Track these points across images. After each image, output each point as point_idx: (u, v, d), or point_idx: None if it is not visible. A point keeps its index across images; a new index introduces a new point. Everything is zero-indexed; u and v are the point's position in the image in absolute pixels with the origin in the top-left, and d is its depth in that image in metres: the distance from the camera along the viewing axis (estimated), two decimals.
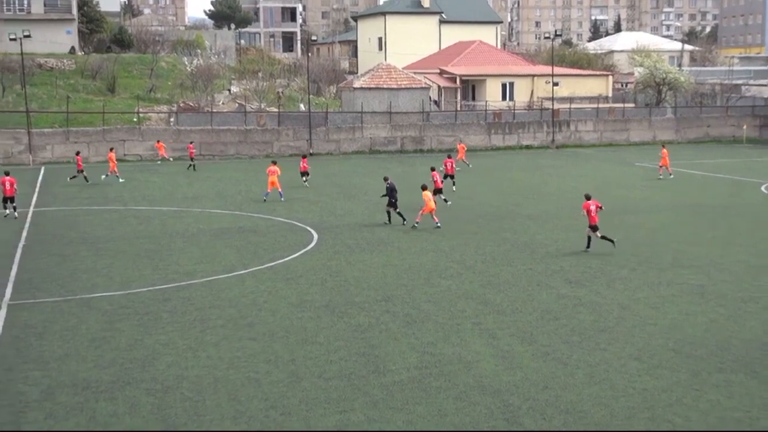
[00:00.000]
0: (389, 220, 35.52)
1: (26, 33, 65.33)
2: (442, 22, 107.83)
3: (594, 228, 29.24)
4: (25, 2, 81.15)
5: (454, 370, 17.93)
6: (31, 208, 40.77)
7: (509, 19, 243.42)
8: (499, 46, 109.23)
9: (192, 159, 57.73)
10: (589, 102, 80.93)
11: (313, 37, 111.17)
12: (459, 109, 79.35)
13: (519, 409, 15.84)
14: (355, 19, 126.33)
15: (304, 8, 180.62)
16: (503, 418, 15.44)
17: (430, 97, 77.27)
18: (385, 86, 72.31)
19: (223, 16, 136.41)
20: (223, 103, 75.75)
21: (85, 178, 49.73)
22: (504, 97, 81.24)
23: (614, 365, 18.09)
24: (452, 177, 45.95)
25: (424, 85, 74.82)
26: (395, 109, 71.28)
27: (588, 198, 29.60)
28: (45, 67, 74.82)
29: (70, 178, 50.18)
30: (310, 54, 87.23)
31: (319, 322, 21.55)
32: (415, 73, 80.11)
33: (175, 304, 23.25)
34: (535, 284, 25.39)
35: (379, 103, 71.31)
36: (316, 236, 33.08)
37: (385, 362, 18.41)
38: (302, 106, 76.37)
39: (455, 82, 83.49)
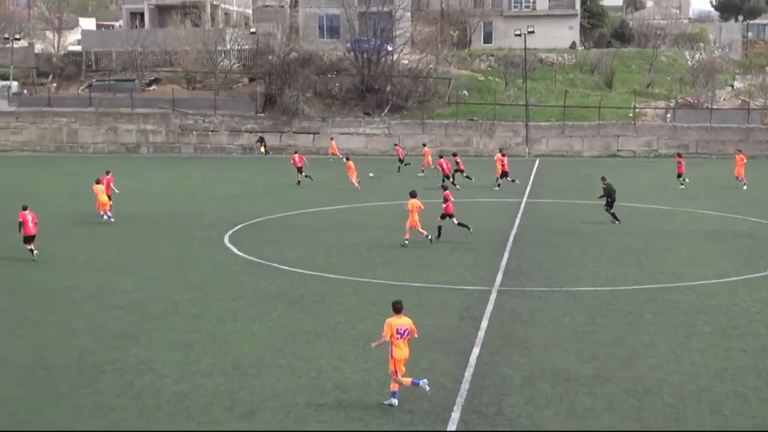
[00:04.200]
0: (615, 218, 35.33)
1: (530, 29, 68.50)
2: None
3: (450, 216, 31.32)
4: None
5: None
6: (524, 199, 42.60)
7: None
8: None
9: (401, 161, 55.25)
10: None
11: None
12: None
13: None
14: None
15: None
16: None
17: None
18: None
19: (730, 8, 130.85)
20: (724, 100, 72.76)
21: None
22: None
23: None
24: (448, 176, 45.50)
25: None
26: None
27: (445, 189, 32.22)
28: (545, 62, 77.53)
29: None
30: None
31: None
32: None
33: (660, 306, 22.83)
34: None
35: None
36: None
37: None
38: None
39: None
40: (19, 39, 78.21)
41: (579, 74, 76.16)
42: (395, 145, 58.88)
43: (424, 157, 52.69)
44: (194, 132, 68.35)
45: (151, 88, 73.92)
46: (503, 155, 47.32)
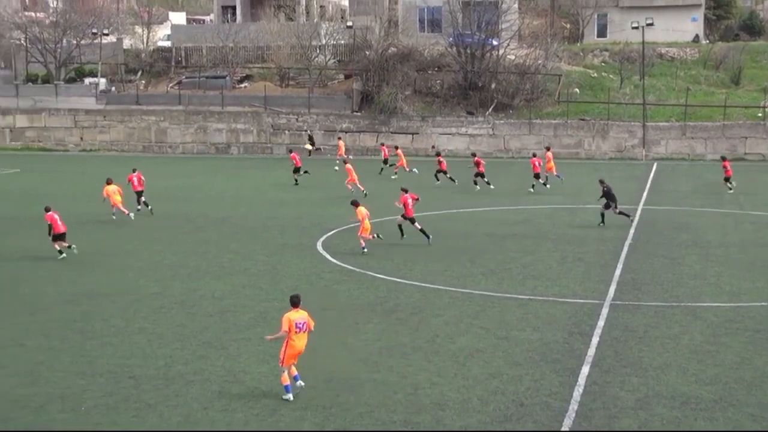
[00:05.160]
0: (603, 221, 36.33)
1: (649, 21, 67.43)
2: None
3: (412, 220, 32.74)
4: None
5: None
6: (640, 206, 41.99)
7: None
8: None
9: (385, 161, 55.14)
10: None
11: None
12: None
13: None
14: None
15: None
16: None
17: None
18: None
19: None
20: None
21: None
22: None
23: None
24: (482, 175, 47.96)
25: None
26: None
27: (405, 191, 33.11)
28: (665, 57, 76.22)
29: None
30: None
31: None
32: None
33: None
34: None
35: None
36: None
37: None
38: None
39: None
40: (107, 34, 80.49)
41: (702, 70, 74.58)
42: (381, 144, 59.57)
43: (399, 159, 53.66)
44: (287, 131, 69.30)
45: (243, 85, 75.22)
46: (535, 156, 49.05)
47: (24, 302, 24.89)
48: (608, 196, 36.43)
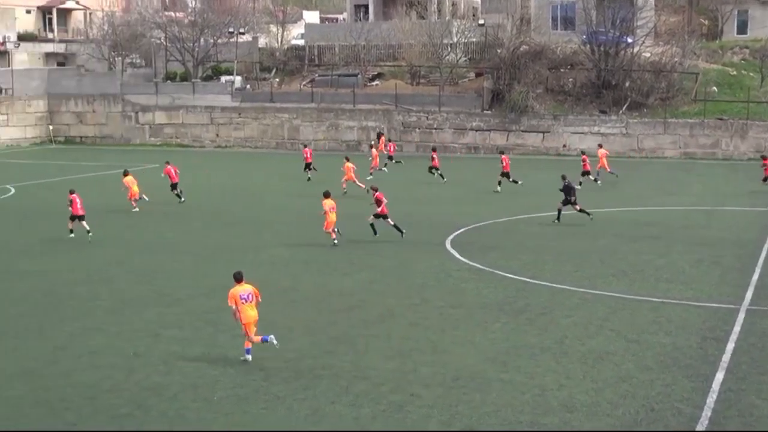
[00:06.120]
0: (558, 218, 36.43)
1: None
2: None
3: (384, 217, 32.88)
4: None
5: None
6: None
7: None
8: None
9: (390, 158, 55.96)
10: None
11: None
12: None
13: None
14: None
15: None
16: None
17: None
18: None
19: None
20: None
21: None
22: None
23: None
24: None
25: None
26: None
27: (375, 190, 33.46)
28: None
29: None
30: None
31: None
32: None
33: None
34: None
35: None
36: None
37: None
38: None
39: None
40: (243, 33, 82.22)
41: None
42: (389, 141, 60.39)
43: (372, 159, 53.07)
44: (417, 129, 69.45)
45: (374, 83, 75.72)
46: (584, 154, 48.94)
47: (160, 293, 25.69)
48: (567, 192, 36.22)
